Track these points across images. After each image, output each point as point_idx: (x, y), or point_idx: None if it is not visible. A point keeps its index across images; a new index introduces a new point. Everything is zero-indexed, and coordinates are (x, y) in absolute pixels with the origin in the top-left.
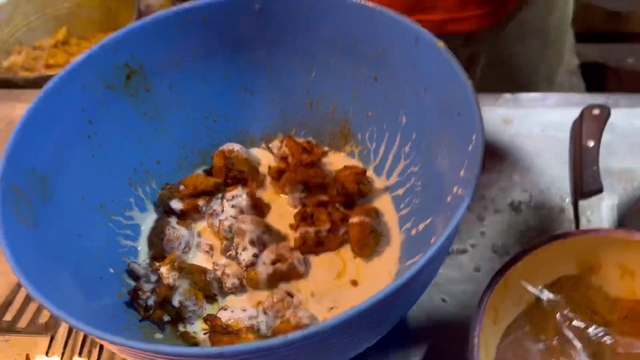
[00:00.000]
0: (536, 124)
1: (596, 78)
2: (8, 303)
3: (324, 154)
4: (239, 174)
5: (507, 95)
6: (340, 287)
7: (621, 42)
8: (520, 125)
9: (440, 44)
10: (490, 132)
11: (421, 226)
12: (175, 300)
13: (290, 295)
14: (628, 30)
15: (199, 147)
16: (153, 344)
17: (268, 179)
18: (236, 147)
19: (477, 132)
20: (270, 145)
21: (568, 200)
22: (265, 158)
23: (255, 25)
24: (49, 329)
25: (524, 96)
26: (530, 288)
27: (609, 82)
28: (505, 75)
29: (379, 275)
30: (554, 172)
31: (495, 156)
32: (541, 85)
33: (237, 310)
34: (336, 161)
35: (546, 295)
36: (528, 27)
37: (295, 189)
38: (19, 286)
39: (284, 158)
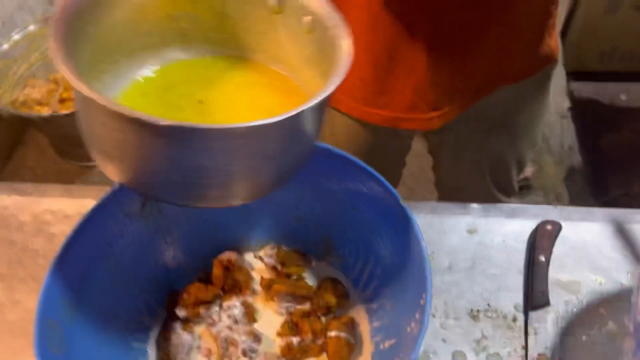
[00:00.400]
0: (498, 233)
1: (589, 115)
2: None
3: (308, 262)
4: (234, 282)
5: (474, 205)
6: None
7: (614, 81)
8: (484, 235)
9: (403, 202)
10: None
11: (387, 344)
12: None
13: None
14: (620, 69)
15: (202, 254)
16: None
17: (259, 290)
18: (233, 256)
19: (427, 293)
20: (261, 255)
21: (521, 309)
22: (258, 264)
23: None
24: None
25: (490, 206)
26: None
27: (602, 118)
28: (474, 158)
29: None
30: (510, 282)
31: (461, 262)
32: (511, 167)
33: None
34: (320, 269)
35: None
36: (495, 122)
37: (282, 299)
38: None
39: (273, 268)
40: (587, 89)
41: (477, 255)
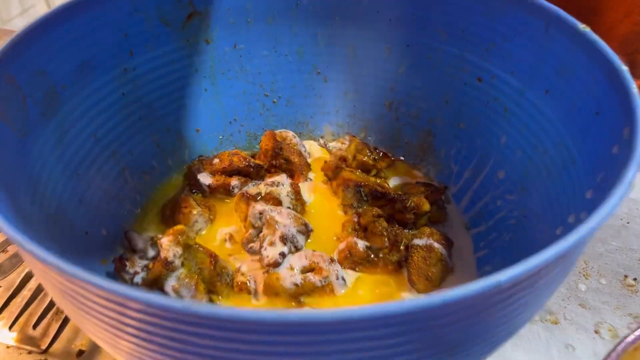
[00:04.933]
0: None
1: None
2: None
3: (392, 163)
4: (286, 164)
5: None
6: None
7: None
8: None
9: (584, 27)
10: None
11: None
12: (169, 285)
13: None
14: None
15: (248, 127)
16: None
17: (315, 181)
18: (290, 134)
19: (633, 125)
20: (329, 144)
21: None
22: (319, 153)
23: None
24: (3, 270)
25: None
26: None
27: None
28: None
29: None
30: None
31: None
32: None
33: None
34: (405, 176)
35: None
36: None
37: (350, 192)
38: None
39: (341, 159)
40: None
41: (633, 213)
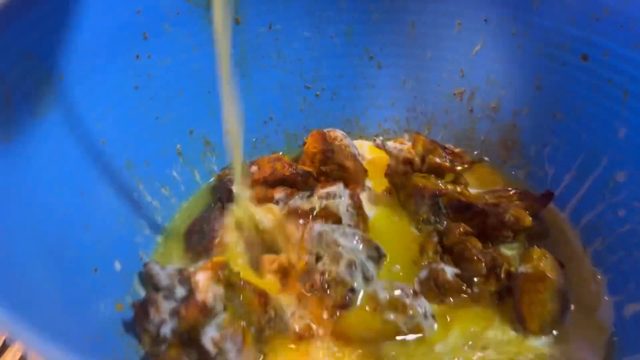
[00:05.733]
0: None
1: None
2: None
3: (472, 163)
4: (338, 170)
5: None
6: None
7: None
8: None
9: None
10: None
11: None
12: (208, 336)
13: None
14: None
15: (287, 126)
16: None
17: (374, 190)
18: (340, 133)
19: None
20: (387, 143)
21: None
22: (376, 154)
23: None
24: None
25: None
26: None
27: None
28: None
29: None
30: None
31: None
32: None
33: None
34: (488, 182)
35: None
36: None
37: (425, 205)
38: None
39: (407, 162)
40: None
41: None
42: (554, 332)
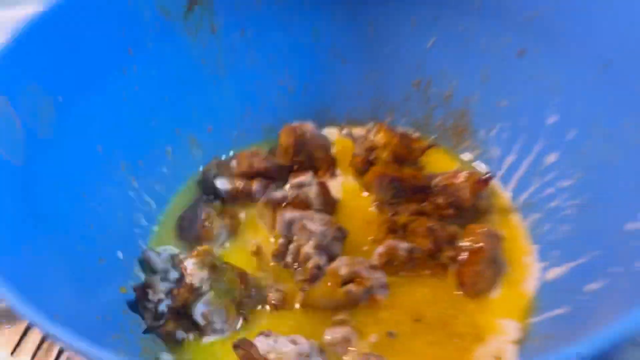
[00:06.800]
0: None
1: None
2: None
3: (428, 149)
4: (308, 160)
5: None
6: None
7: None
8: None
9: None
10: None
11: (567, 266)
12: (198, 312)
13: (356, 332)
14: None
15: (264, 120)
16: None
17: (343, 176)
18: (310, 126)
19: None
20: (352, 132)
21: None
22: (344, 143)
23: None
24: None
25: None
26: None
27: None
28: None
29: (491, 327)
30: None
31: None
32: None
33: (282, 340)
34: (443, 165)
35: None
36: None
37: (384, 188)
38: None
39: (370, 150)
40: None
41: None
42: (489, 296)
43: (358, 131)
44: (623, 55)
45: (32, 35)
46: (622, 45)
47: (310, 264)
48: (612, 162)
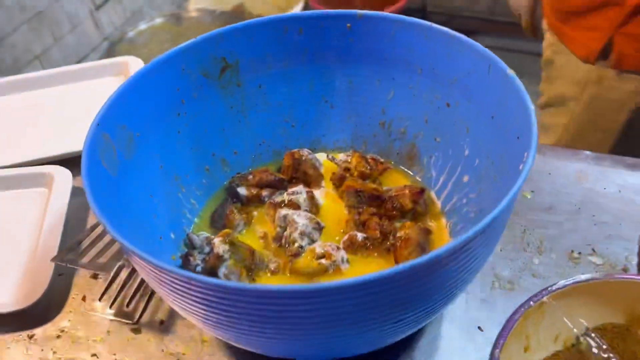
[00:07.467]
0: (612, 184)
1: None
2: (78, 242)
3: (386, 169)
4: (303, 176)
5: (587, 153)
6: None
7: None
8: (595, 183)
9: (511, 72)
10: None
11: None
12: (221, 272)
13: None
14: None
15: (274, 146)
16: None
17: (326, 188)
18: (306, 152)
19: (530, 151)
20: (335, 158)
21: (635, 262)
22: (330, 165)
23: (344, 42)
24: (106, 269)
25: (606, 156)
26: (571, 325)
27: None
28: None
29: None
30: (624, 232)
31: (565, 205)
32: None
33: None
34: (398, 181)
35: (590, 339)
36: None
37: (352, 196)
38: (90, 229)
39: (346, 170)
40: None
41: (586, 200)
42: None
43: (341, 156)
44: (501, 112)
45: (124, 92)
46: (501, 104)
47: (296, 245)
48: (496, 180)
